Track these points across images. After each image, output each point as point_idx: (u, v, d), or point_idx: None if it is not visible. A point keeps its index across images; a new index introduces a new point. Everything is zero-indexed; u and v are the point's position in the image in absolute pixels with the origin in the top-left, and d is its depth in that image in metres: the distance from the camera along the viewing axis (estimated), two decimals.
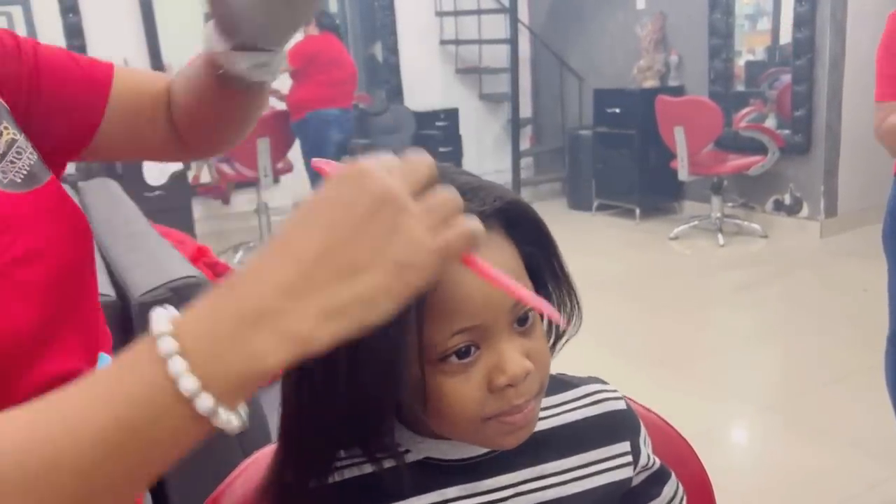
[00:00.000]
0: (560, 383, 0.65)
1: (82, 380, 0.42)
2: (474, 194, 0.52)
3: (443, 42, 6.06)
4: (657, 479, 0.68)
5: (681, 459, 0.82)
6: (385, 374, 0.50)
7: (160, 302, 1.31)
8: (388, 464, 0.57)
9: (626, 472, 0.63)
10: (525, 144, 6.39)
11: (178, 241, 1.88)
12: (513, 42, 5.70)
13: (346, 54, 4.76)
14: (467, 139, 5.98)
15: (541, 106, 6.55)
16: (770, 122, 4.78)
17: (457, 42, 6.06)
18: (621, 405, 0.65)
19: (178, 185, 4.70)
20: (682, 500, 0.70)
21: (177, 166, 4.63)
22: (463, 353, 0.52)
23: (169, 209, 4.49)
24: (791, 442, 2.38)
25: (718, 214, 4.68)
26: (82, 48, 4.92)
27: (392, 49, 5.93)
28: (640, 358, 3.05)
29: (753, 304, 3.67)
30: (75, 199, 2.48)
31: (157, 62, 5.18)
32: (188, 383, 0.38)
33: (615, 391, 0.66)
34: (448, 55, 6.15)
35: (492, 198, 0.53)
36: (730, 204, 4.91)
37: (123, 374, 0.40)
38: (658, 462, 0.67)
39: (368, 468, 0.58)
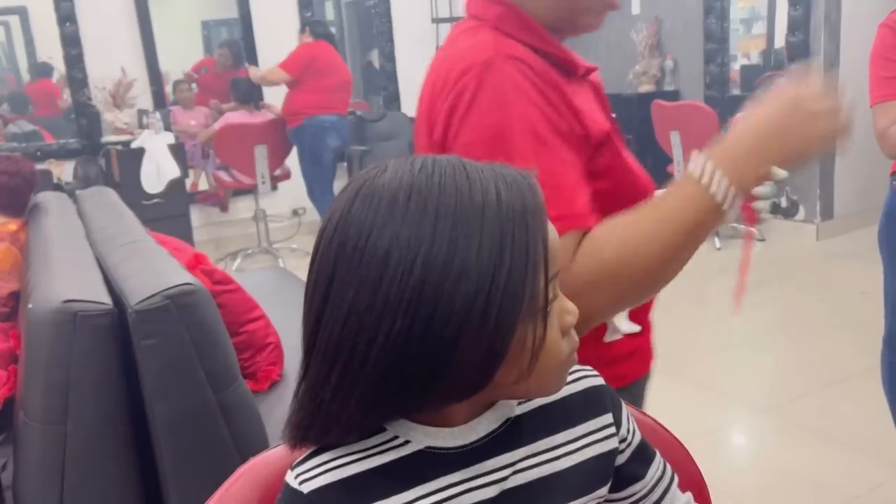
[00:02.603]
0: None
1: (656, 200, 0.83)
2: None
3: (440, 48, 6.06)
4: (641, 457, 0.69)
5: (677, 463, 0.83)
6: (504, 329, 0.52)
7: (156, 310, 1.32)
8: (390, 457, 0.58)
9: (613, 443, 0.66)
10: None
11: (175, 249, 1.88)
12: None
13: (340, 61, 4.77)
14: None
15: None
16: None
17: None
18: (600, 381, 0.68)
19: (177, 193, 4.70)
20: (671, 480, 0.72)
21: (175, 174, 4.64)
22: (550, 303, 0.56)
23: (167, 217, 4.49)
24: (789, 444, 2.38)
25: None
26: (79, 57, 4.93)
27: (389, 56, 5.94)
28: None
29: (750, 307, 3.67)
30: (73, 208, 2.48)
31: (153, 70, 5.18)
32: (726, 194, 0.78)
33: (592, 370, 0.69)
34: None
35: None
36: None
37: (683, 193, 0.80)
38: (640, 437, 0.70)
39: (369, 463, 0.58)
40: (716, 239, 4.58)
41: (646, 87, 5.23)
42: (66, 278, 1.50)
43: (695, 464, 0.84)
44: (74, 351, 1.32)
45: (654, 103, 4.74)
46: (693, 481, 0.83)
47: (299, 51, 4.57)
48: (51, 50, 4.98)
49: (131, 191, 4.37)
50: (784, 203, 4.71)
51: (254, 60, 5.43)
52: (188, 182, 5.04)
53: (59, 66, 5.02)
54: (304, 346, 0.56)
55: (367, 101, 6.16)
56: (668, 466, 0.73)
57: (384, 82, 5.98)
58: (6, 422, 1.63)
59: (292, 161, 4.82)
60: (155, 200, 4.59)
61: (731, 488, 2.10)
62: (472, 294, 0.51)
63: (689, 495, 0.74)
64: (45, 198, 2.66)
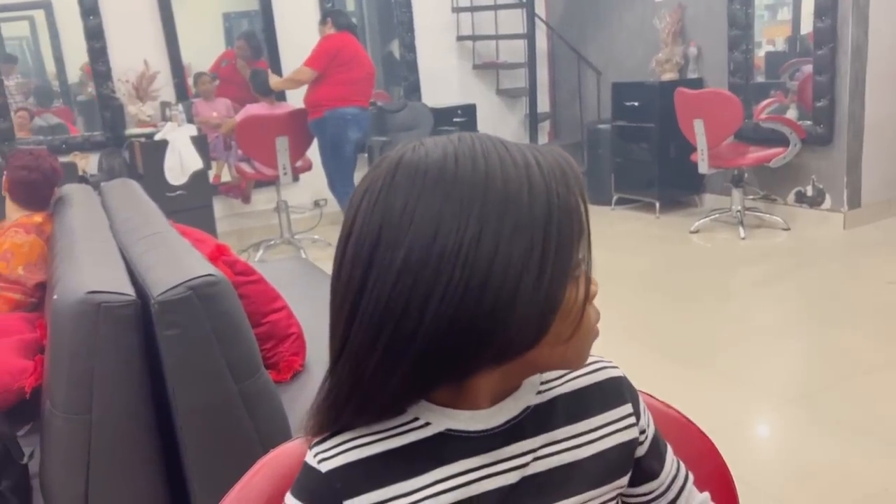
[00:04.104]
0: None
1: None
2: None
3: (460, 38, 6.05)
4: (657, 452, 0.69)
5: (702, 455, 0.82)
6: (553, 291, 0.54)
7: (179, 301, 1.33)
8: (410, 439, 0.58)
9: (633, 433, 0.67)
10: (543, 139, 6.37)
11: (197, 240, 1.89)
12: (530, 37, 5.68)
13: (363, 53, 4.76)
14: None
15: (559, 100, 6.51)
16: (791, 114, 4.72)
17: (474, 38, 6.05)
18: (619, 373, 0.69)
19: (199, 185, 4.74)
20: (686, 478, 0.72)
21: (197, 165, 4.67)
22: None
23: (190, 208, 4.53)
24: (815, 436, 2.35)
25: (739, 207, 4.63)
26: (103, 50, 4.97)
27: (409, 46, 5.93)
28: (661, 352, 3.03)
29: (776, 298, 3.63)
30: (97, 200, 2.51)
31: (175, 63, 5.21)
32: None
33: (610, 361, 0.69)
34: (465, 51, 6.14)
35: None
36: (751, 196, 4.85)
37: None
38: (654, 430, 0.70)
39: (389, 444, 0.58)
40: (740, 229, 4.53)
41: (669, 76, 5.17)
42: (90, 270, 1.51)
43: (720, 455, 0.83)
44: (98, 341, 1.33)
45: (678, 91, 4.69)
46: (718, 473, 0.82)
47: (323, 44, 4.55)
48: (75, 44, 5.03)
49: (155, 182, 4.40)
50: (810, 192, 4.64)
51: (275, 52, 5.45)
52: (211, 174, 5.07)
53: (84, 60, 5.07)
54: (343, 319, 0.55)
55: (388, 91, 6.15)
56: (682, 465, 0.72)
57: (405, 73, 5.97)
58: (34, 411, 1.66)
59: (313, 152, 4.84)
60: (178, 192, 4.63)
61: (756, 479, 2.08)
62: (528, 242, 0.52)
63: (706, 495, 0.73)
64: (70, 190, 2.69)
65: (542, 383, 0.64)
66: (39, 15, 5.19)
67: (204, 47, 5.53)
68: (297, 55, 4.73)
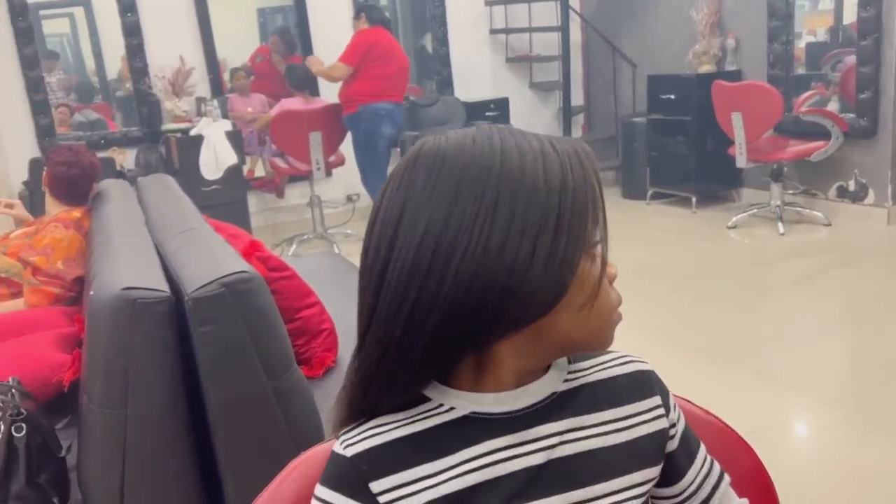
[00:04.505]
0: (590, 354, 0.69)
1: None
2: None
3: (493, 31, 6.01)
4: (686, 449, 0.69)
5: (737, 456, 0.80)
6: (567, 265, 0.56)
7: (212, 297, 1.33)
8: (435, 422, 0.59)
9: (662, 423, 0.66)
10: (577, 133, 6.31)
11: (231, 236, 1.90)
12: (564, 29, 5.62)
13: (398, 47, 4.75)
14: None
15: (593, 93, 6.45)
16: (833, 106, 4.60)
17: (507, 31, 6.01)
18: (647, 367, 0.69)
19: (234, 180, 4.78)
20: (720, 477, 0.70)
21: (232, 160, 4.72)
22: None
23: (225, 203, 4.58)
24: (856, 438, 2.29)
25: (778, 202, 4.54)
26: (140, 46, 5.04)
27: (442, 40, 5.91)
28: (697, 351, 2.98)
29: (816, 295, 3.55)
30: (134, 195, 2.53)
31: (211, 59, 5.26)
32: None
33: (640, 357, 0.70)
34: (498, 44, 6.10)
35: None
36: (790, 191, 4.75)
37: None
38: (684, 426, 0.69)
39: (414, 428, 0.59)
40: (780, 224, 4.44)
41: (706, 68, 5.08)
42: (126, 266, 1.53)
43: (756, 456, 0.81)
44: (133, 337, 1.34)
45: (715, 84, 4.61)
46: (755, 474, 0.80)
47: (357, 39, 4.55)
48: (113, 40, 5.11)
49: (190, 177, 4.46)
50: (852, 186, 4.52)
51: (308, 47, 5.47)
52: (245, 169, 5.11)
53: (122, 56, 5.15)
54: (370, 292, 0.57)
55: (421, 85, 6.15)
56: (717, 464, 0.71)
57: (437, 67, 5.96)
58: (72, 404, 1.68)
59: (346, 147, 4.85)
60: (213, 187, 4.68)
61: (796, 483, 2.04)
62: (544, 206, 0.55)
63: (744, 501, 0.71)
64: (108, 185, 2.73)
65: (569, 372, 0.65)
66: (79, 12, 5.28)
67: (239, 43, 5.58)
68: (330, 50, 4.74)
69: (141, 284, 1.37)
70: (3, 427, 1.41)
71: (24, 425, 1.41)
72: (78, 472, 1.48)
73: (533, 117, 6.22)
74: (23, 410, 1.43)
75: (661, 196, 5.43)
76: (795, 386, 2.65)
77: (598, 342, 0.62)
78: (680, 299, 3.59)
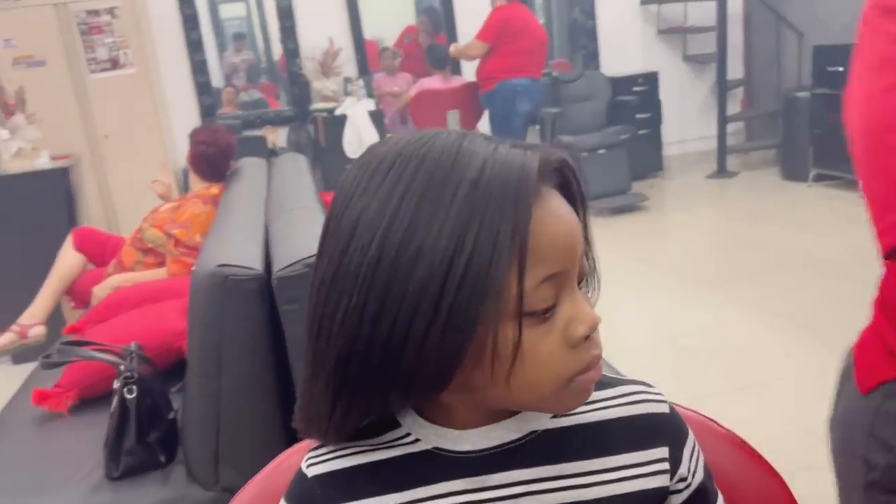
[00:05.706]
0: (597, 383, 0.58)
1: None
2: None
3: (644, 2, 5.74)
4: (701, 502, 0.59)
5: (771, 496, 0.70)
6: (473, 323, 0.46)
7: (296, 277, 1.37)
8: (397, 453, 0.55)
9: (661, 480, 0.56)
10: (735, 108, 5.92)
11: None
12: None
13: (535, 22, 4.66)
14: (668, 104, 5.66)
15: (754, 66, 6.00)
16: None
17: (659, 1, 5.72)
18: (664, 408, 0.58)
19: None
20: None
21: (374, 139, 4.84)
22: (546, 309, 0.49)
23: None
24: None
25: None
26: (292, 28, 5.27)
27: (589, 13, 5.72)
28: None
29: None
30: (265, 173, 2.64)
31: (358, 40, 5.41)
32: None
33: (660, 394, 0.59)
34: (650, 15, 5.82)
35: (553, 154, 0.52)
36: None
37: None
38: (702, 477, 0.59)
39: (376, 456, 0.56)
40: None
41: None
42: (229, 243, 1.61)
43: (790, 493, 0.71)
44: (226, 312, 1.41)
45: None
46: None
47: (493, 16, 4.52)
48: (269, 23, 5.38)
49: (336, 156, 4.63)
50: None
51: (452, 25, 5.48)
52: None
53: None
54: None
55: (571, 60, 5.99)
56: None
57: (583, 41, 5.78)
58: (184, 371, 1.80)
59: (484, 125, 4.83)
60: None
61: None
62: (426, 279, 0.46)
63: None
64: (246, 163, 2.88)
65: None
66: None
67: (386, 23, 5.70)
68: (474, 28, 4.73)
69: (236, 262, 1.44)
70: (117, 388, 1.53)
71: (135, 387, 1.52)
72: (181, 434, 1.59)
73: (686, 92, 5.91)
74: (135, 374, 1.54)
75: (825, 178, 4.97)
76: None
77: (549, 408, 0.54)
78: (841, 292, 3.27)
